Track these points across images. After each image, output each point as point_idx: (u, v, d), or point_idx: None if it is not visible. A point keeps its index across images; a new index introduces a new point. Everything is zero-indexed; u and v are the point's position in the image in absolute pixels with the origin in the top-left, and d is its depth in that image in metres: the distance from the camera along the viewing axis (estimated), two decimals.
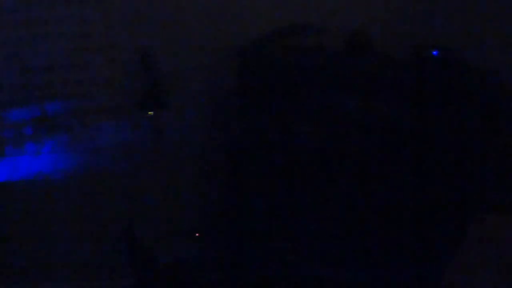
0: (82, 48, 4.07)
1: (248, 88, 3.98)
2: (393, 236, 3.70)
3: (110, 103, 4.10)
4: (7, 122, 4.30)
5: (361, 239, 3.75)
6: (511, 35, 3.77)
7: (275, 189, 3.89)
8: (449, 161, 3.63)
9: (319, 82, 3.88)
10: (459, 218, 3.74)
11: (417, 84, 3.74)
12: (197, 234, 4.09)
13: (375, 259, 3.74)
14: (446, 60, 3.71)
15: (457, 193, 3.69)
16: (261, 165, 3.89)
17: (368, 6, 3.84)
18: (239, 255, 4.10)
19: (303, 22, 3.94)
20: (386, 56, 3.79)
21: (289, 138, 3.89)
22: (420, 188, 3.68)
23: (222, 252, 4.14)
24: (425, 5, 3.85)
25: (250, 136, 3.97)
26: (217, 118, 4.01)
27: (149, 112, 3.82)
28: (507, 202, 3.62)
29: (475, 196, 3.70)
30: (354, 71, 3.83)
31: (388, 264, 3.72)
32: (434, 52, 3.79)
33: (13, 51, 4.14)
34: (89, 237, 4.40)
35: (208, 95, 3.99)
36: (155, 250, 3.96)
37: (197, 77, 3.97)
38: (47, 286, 4.40)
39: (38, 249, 4.43)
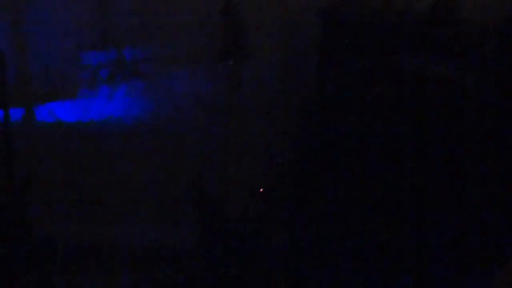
0: None
1: (327, 47, 3.93)
2: None
3: (189, 52, 4.08)
4: (84, 64, 4.33)
5: None
6: None
7: (351, 148, 3.83)
8: None
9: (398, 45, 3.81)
10: None
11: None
12: (261, 190, 4.07)
13: None
14: None
15: None
16: (337, 123, 3.83)
17: None
18: (303, 216, 4.06)
19: None
20: (473, 25, 3.70)
21: (365, 98, 3.83)
22: None
23: (286, 212, 4.11)
24: None
25: (326, 94, 3.92)
26: (294, 75, 3.97)
27: (229, 63, 3.78)
28: None
29: None
30: (437, 37, 3.75)
31: None
32: None
33: None
34: (155, 184, 4.41)
35: (288, 51, 3.95)
36: (222, 203, 3.95)
37: (278, 33, 3.94)
38: (114, 226, 4.43)
39: (103, 191, 4.47)
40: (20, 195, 3.94)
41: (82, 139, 4.50)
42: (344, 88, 3.92)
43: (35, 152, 4.40)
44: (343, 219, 3.69)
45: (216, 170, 4.05)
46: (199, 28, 4.11)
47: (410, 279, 3.38)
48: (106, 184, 4.47)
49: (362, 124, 3.82)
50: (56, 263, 4.11)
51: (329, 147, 3.87)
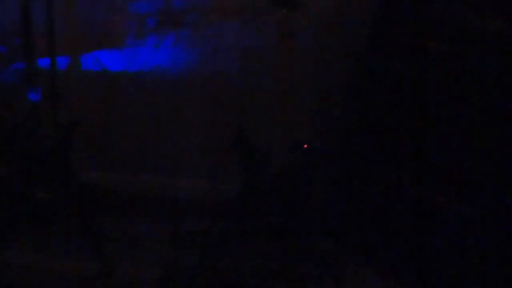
0: None
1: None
2: None
3: (238, 2, 3.99)
4: (131, 13, 4.28)
5: None
6: None
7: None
8: None
9: None
10: None
11: None
12: (305, 146, 4.01)
13: None
14: None
15: None
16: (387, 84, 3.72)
17: None
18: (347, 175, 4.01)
19: None
20: None
21: None
22: None
23: (331, 169, 4.05)
24: None
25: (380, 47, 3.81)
26: (348, 24, 3.85)
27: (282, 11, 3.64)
28: None
29: None
30: None
31: None
32: None
33: None
34: (199, 137, 4.38)
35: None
36: (266, 158, 3.90)
37: None
38: (157, 176, 4.45)
39: (147, 141, 4.47)
40: (66, 141, 3.94)
41: (128, 89, 4.48)
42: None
43: (80, 100, 4.41)
44: (387, 179, 3.62)
45: (262, 123, 3.99)
46: None
47: None
48: (150, 134, 4.46)
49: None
50: (98, 210, 4.15)
51: (379, 103, 3.78)
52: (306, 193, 3.93)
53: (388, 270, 3.57)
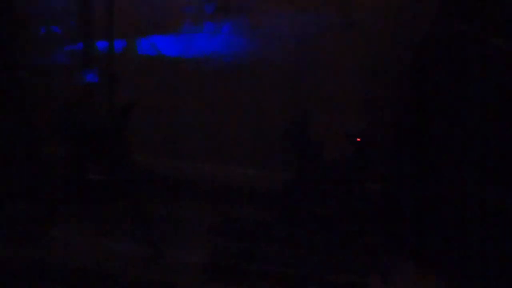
0: None
1: None
2: None
3: None
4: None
5: None
6: None
7: None
8: None
9: None
10: None
11: None
12: (357, 139, 3.98)
13: None
14: None
15: None
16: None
17: None
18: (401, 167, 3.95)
19: None
20: None
21: None
22: None
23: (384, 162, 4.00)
24: None
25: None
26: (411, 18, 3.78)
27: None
28: None
29: None
30: None
31: None
32: None
33: None
34: (252, 124, 4.37)
35: None
36: (321, 148, 3.88)
37: None
38: (209, 163, 4.45)
39: (201, 128, 4.47)
40: (121, 123, 3.97)
41: (182, 75, 4.49)
42: None
43: (135, 84, 4.43)
44: (447, 176, 3.55)
45: (318, 112, 3.96)
46: None
47: None
48: (203, 120, 4.46)
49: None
50: (149, 193, 4.18)
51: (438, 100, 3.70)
52: (358, 185, 3.89)
53: (440, 270, 3.51)
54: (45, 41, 4.73)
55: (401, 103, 3.86)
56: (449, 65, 3.46)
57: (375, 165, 3.90)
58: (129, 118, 4.02)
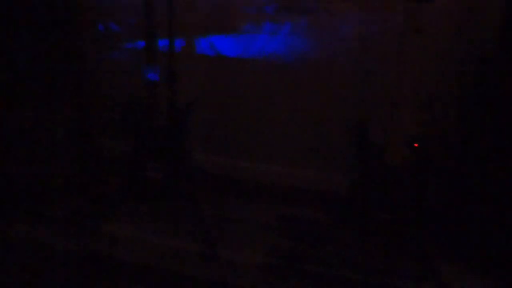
0: None
1: None
2: None
3: None
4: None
5: None
6: None
7: None
8: None
9: None
10: None
11: None
12: (415, 145, 3.92)
13: None
14: None
15: None
16: None
17: None
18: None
19: None
20: None
21: None
22: None
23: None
24: None
25: None
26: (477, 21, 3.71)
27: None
28: None
29: None
30: None
31: None
32: None
33: None
34: (310, 126, 4.35)
35: None
36: (382, 152, 3.83)
37: None
38: (265, 164, 4.44)
39: (259, 128, 4.47)
40: (181, 122, 3.99)
41: (240, 75, 4.49)
42: None
43: (193, 83, 4.45)
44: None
45: (378, 116, 3.91)
46: None
47: None
48: (260, 121, 4.46)
49: None
50: (206, 192, 4.19)
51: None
52: (418, 191, 3.83)
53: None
54: (107, 38, 4.80)
55: (467, 105, 3.80)
56: None
57: (437, 171, 3.84)
58: (189, 117, 4.04)
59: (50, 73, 4.51)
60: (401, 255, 3.66)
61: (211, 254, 3.67)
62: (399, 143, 3.77)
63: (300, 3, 4.14)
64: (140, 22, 3.94)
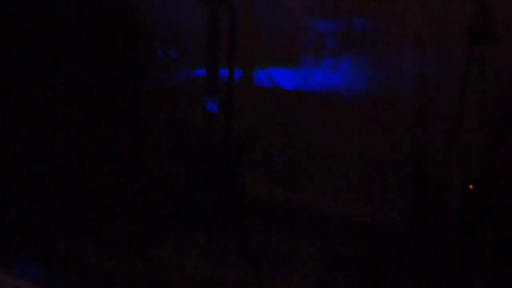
0: None
1: None
2: None
3: (422, 28, 3.89)
4: (311, 32, 4.30)
5: None
6: None
7: None
8: None
9: None
10: None
11: None
12: (470, 186, 3.86)
13: None
14: None
15: None
16: None
17: None
18: None
19: None
20: None
21: None
22: None
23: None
24: None
25: None
26: None
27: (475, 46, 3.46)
28: None
29: None
30: None
31: None
32: None
33: None
34: (367, 161, 4.32)
35: None
36: (439, 190, 3.78)
37: None
38: (316, 194, 4.42)
39: (312, 159, 4.45)
40: (238, 151, 4.02)
41: (299, 108, 4.50)
42: None
43: (251, 113, 4.47)
44: None
45: (435, 157, 3.86)
46: (439, 3, 3.91)
47: None
48: (314, 153, 4.45)
49: None
50: (256, 221, 4.19)
51: None
52: (473, 230, 3.76)
53: None
54: (168, 64, 4.88)
55: None
56: None
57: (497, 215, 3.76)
58: (245, 148, 4.06)
59: (108, 98, 4.56)
60: None
61: (256, 284, 3.65)
62: (456, 184, 3.72)
63: (361, 38, 4.14)
64: (201, 51, 4.00)
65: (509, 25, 3.55)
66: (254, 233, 4.08)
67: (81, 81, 4.25)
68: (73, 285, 3.64)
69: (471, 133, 3.82)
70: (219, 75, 4.00)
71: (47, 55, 4.18)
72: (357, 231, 4.21)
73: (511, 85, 3.72)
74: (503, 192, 3.86)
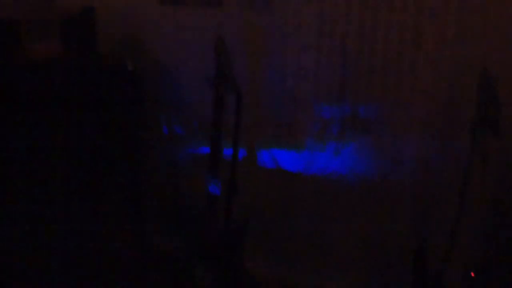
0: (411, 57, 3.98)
1: None
2: None
3: (430, 116, 3.94)
4: (315, 116, 4.34)
5: None
6: None
7: None
8: None
9: None
10: None
11: None
12: (472, 274, 3.81)
13: None
14: None
15: None
16: None
17: None
18: None
19: None
20: None
21: None
22: None
23: None
24: None
25: None
26: None
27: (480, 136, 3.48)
28: None
29: None
30: None
31: None
32: None
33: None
34: (368, 247, 4.30)
35: None
36: (440, 277, 3.73)
37: None
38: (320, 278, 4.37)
39: (314, 242, 4.43)
40: (237, 233, 4.00)
41: (301, 191, 4.50)
42: None
43: (254, 194, 4.47)
44: None
45: (436, 242, 3.83)
46: (443, 93, 3.96)
47: None
48: (317, 238, 4.44)
49: None
50: None
51: None
52: None
53: None
54: (170, 140, 4.92)
55: None
56: None
57: None
58: (245, 229, 4.04)
59: (109, 172, 4.55)
60: None
61: None
62: (457, 271, 3.67)
63: (365, 124, 4.18)
64: (206, 127, 4.02)
65: None
66: None
67: (80, 155, 4.25)
68: None
69: (472, 221, 3.81)
70: (223, 154, 4.01)
71: (50, 128, 4.20)
72: None
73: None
74: (506, 279, 3.82)
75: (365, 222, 4.25)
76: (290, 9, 4.25)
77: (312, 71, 4.25)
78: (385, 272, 4.21)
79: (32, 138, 4.09)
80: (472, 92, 3.49)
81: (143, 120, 4.63)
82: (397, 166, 4.11)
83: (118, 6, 4.75)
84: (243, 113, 3.91)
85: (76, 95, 4.20)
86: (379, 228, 4.21)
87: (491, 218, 3.90)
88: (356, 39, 4.07)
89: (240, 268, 4.04)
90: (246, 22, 4.40)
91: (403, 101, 4.03)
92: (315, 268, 4.48)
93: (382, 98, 4.09)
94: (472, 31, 3.79)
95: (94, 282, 4.19)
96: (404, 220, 4.13)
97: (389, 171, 4.15)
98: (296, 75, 4.32)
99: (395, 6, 3.96)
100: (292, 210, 4.53)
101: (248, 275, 4.11)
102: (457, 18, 3.83)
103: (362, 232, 4.28)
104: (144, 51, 4.81)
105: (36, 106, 4.05)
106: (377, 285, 4.27)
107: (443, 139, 3.97)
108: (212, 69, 3.79)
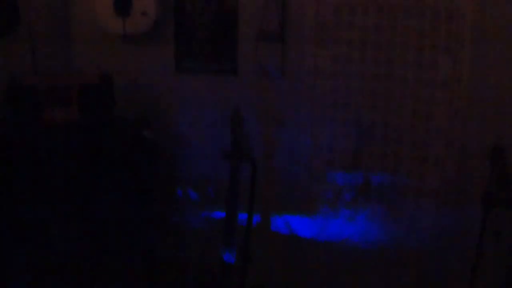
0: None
1: None
2: None
3: (442, 186, 3.99)
4: (328, 182, 4.39)
5: None
6: None
7: None
8: None
9: None
10: None
11: None
12: None
13: None
14: None
15: None
16: None
17: None
18: None
19: None
20: None
21: None
22: None
23: None
24: None
25: None
26: None
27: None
28: None
29: None
30: None
31: None
32: None
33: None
34: None
35: None
36: None
37: None
38: None
39: None
40: None
41: (314, 257, 4.52)
42: None
43: (266, 260, 4.49)
44: None
45: None
46: (455, 165, 4.01)
47: None
48: None
49: None
50: None
51: None
52: None
53: None
54: (184, 203, 4.95)
55: None
56: None
57: None
58: None
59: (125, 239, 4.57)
60: None
61: None
62: None
63: (379, 192, 4.22)
64: (221, 195, 4.05)
65: None
66: None
67: (93, 220, 4.29)
68: None
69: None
70: (238, 221, 4.04)
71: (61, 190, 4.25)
72: None
73: None
74: None
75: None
76: (304, 80, 4.34)
77: (326, 141, 4.31)
78: None
79: (48, 195, 4.14)
80: (483, 164, 3.55)
81: (158, 185, 4.68)
82: (410, 234, 4.14)
83: (136, 74, 4.85)
84: (257, 179, 3.96)
85: (89, 158, 4.26)
86: None
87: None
88: (369, 110, 4.15)
89: None
90: (260, 91, 4.48)
91: (415, 171, 4.08)
92: None
93: (394, 169, 4.14)
94: (484, 104, 3.86)
95: None
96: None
97: (402, 239, 4.17)
98: (311, 144, 4.38)
99: (407, 78, 4.05)
100: (305, 276, 4.54)
101: None
102: (469, 90, 3.90)
103: None
104: (160, 118, 4.88)
105: (54, 165, 4.12)
106: None
107: (455, 209, 4.00)
108: (227, 137, 3.85)
